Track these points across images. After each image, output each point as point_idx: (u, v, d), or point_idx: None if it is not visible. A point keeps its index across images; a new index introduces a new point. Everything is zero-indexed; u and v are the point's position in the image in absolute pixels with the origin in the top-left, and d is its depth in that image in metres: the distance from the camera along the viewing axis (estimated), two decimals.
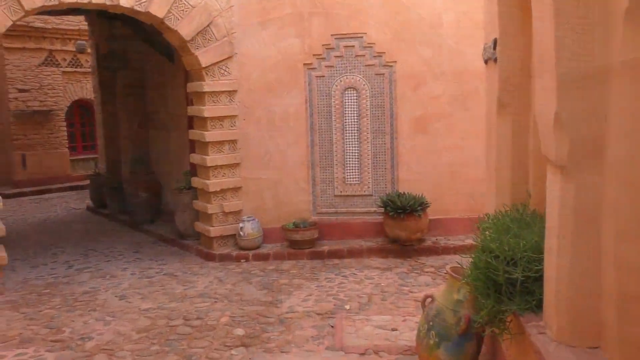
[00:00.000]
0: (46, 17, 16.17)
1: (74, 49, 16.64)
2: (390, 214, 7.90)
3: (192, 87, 8.49)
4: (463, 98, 8.27)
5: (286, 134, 8.45)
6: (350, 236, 8.50)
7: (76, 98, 17.49)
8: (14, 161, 16.53)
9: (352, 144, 8.43)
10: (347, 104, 8.39)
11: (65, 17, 16.44)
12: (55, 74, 16.92)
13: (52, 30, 16.54)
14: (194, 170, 9.00)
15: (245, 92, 8.39)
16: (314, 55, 8.33)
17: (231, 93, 8.33)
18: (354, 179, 8.48)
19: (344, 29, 8.24)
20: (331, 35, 8.27)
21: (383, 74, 8.29)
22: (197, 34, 8.00)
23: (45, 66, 16.71)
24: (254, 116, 8.43)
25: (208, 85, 8.15)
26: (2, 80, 16.73)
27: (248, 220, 8.30)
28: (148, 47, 10.67)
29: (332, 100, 8.39)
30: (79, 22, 16.28)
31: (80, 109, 18.04)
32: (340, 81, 8.35)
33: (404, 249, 8.04)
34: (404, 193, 8.16)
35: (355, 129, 8.41)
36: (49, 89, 16.81)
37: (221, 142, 8.31)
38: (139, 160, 11.16)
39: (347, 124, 8.41)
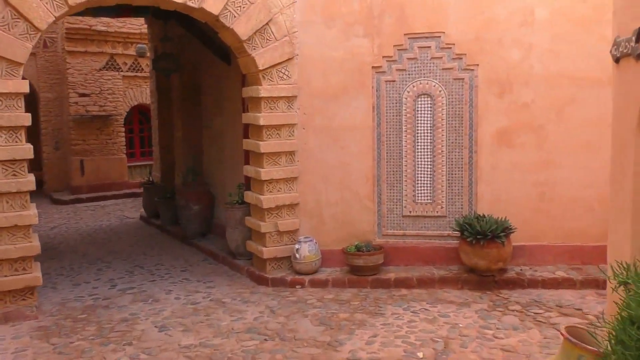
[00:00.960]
0: (108, 20, 15.90)
1: (135, 53, 16.25)
2: (467, 239, 6.84)
3: (247, 91, 7.69)
4: (557, 107, 7.13)
5: (350, 145, 7.53)
6: (420, 262, 7.48)
7: (136, 103, 17.14)
8: (72, 167, 16.30)
9: (424, 158, 7.42)
10: (420, 112, 7.39)
11: (127, 20, 16.14)
12: (116, 78, 16.62)
13: (114, 34, 16.25)
14: (248, 183, 8.20)
15: (306, 98, 7.53)
16: (383, 57, 7.38)
17: (290, 99, 7.49)
18: (426, 198, 7.46)
19: (418, 27, 7.25)
20: (404, 34, 7.30)
21: (462, 78, 7.25)
22: (255, 33, 7.19)
23: (106, 70, 16.43)
24: (315, 125, 7.56)
25: (265, 90, 7.33)
26: (64, 84, 16.57)
27: (305, 242, 7.41)
28: (203, 49, 9.98)
29: (403, 108, 7.41)
30: (141, 26, 15.91)
31: (139, 114, 17.70)
32: (413, 87, 7.37)
33: (482, 280, 6.96)
34: (484, 215, 7.08)
35: (429, 141, 7.40)
36: (108, 94, 16.51)
37: (278, 154, 7.47)
38: (192, 170, 10.49)
39: (419, 135, 7.41)
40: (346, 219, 7.62)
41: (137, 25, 16.01)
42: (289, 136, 7.53)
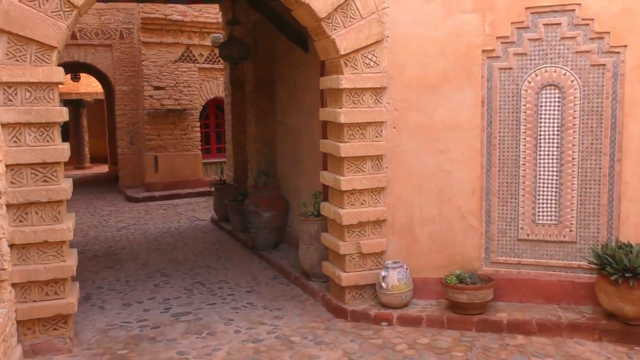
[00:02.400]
0: (184, 9, 15.07)
1: (211, 44, 15.29)
2: (610, 276, 5.19)
3: (325, 82, 6.35)
4: None
5: (452, 148, 6.04)
6: (540, 300, 5.89)
7: (212, 97, 16.27)
8: (146, 163, 15.61)
9: (548, 167, 5.81)
10: (544, 108, 5.79)
11: (204, 9, 15.24)
12: (192, 70, 15.78)
13: (190, 24, 15.40)
14: (326, 192, 6.87)
15: (397, 89, 6.10)
16: (497, 38, 5.83)
17: (378, 91, 6.08)
18: (549, 218, 5.85)
19: None
20: (525, 8, 5.71)
21: (604, 65, 5.57)
22: (336, 10, 5.83)
23: (182, 62, 15.62)
24: (408, 123, 6.11)
25: (347, 79, 5.96)
26: (139, 77, 15.90)
27: (393, 267, 5.99)
28: (279, 35, 8.74)
29: (522, 103, 5.83)
30: (217, 14, 14.92)
31: (215, 108, 16.83)
32: (536, 76, 5.77)
33: (630, 331, 5.28)
34: (630, 244, 5.40)
35: (555, 144, 5.78)
36: (184, 87, 15.70)
37: (362, 158, 6.09)
38: (264, 171, 9.29)
39: (542, 137, 5.81)
40: (445, 241, 6.13)
41: (214, 14, 15.07)
42: (376, 137, 6.12)
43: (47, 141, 5.14)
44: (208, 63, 15.93)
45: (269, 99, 9.87)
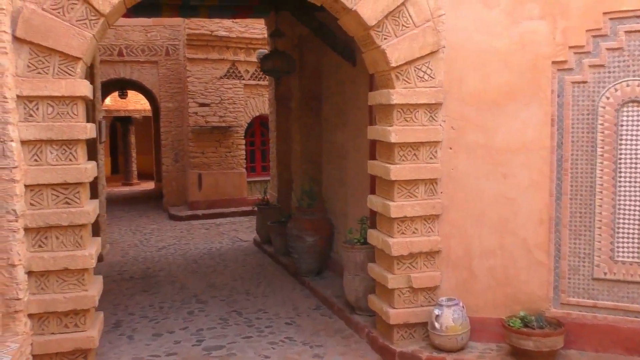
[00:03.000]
0: (230, 24, 14.80)
1: (257, 60, 14.95)
2: None
3: (375, 97, 5.78)
4: None
5: (517, 173, 5.36)
6: (620, 350, 5.10)
7: (257, 114, 15.89)
8: (190, 181, 15.32)
9: (630, 195, 5.06)
10: (625, 128, 5.06)
11: (250, 25, 14.94)
12: (237, 87, 15.47)
13: (235, 40, 15.12)
14: (373, 217, 6.27)
15: (454, 105, 5.47)
16: (570, 47, 5.14)
17: (433, 107, 5.47)
18: (631, 254, 5.08)
19: (627, 1, 4.95)
20: (603, 13, 5.02)
21: None
22: (386, 17, 5.27)
23: (227, 78, 15.32)
24: (466, 143, 5.47)
25: (399, 94, 5.37)
26: (184, 94, 15.70)
27: (448, 305, 5.32)
28: (325, 49, 8.26)
29: (599, 122, 5.11)
30: (263, 29, 14.59)
31: (261, 125, 16.44)
32: (615, 90, 5.05)
33: None
34: None
35: (638, 170, 5.04)
36: (229, 103, 15.39)
37: (414, 182, 5.48)
38: (309, 192, 8.75)
39: (623, 161, 5.07)
40: (507, 277, 5.43)
41: (260, 29, 14.74)
42: (430, 158, 5.50)
43: (70, 160, 4.73)
44: (254, 80, 15.60)
45: (315, 116, 9.38)
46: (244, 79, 15.49)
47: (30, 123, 4.61)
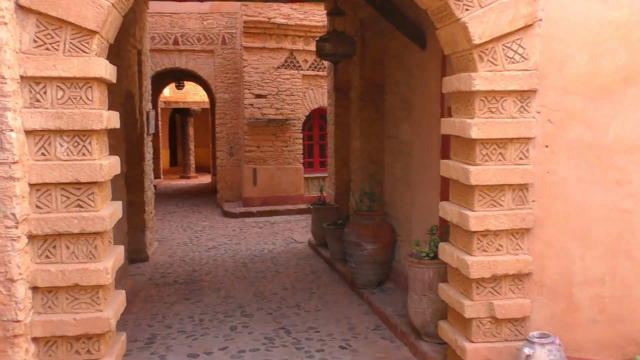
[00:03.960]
0: (289, 11, 13.97)
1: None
2: None
3: (451, 83, 4.75)
4: None
5: (634, 178, 4.23)
6: None
7: (316, 106, 15.03)
8: (244, 176, 14.61)
9: None
10: None
11: (309, 11, 14.07)
12: (295, 77, 14.63)
13: (294, 27, 14.28)
14: (445, 227, 5.26)
15: (553, 93, 4.38)
16: None
17: (525, 95, 4.41)
18: None
19: None
20: None
21: None
22: None
23: (285, 68, 14.51)
24: (568, 141, 4.37)
25: (483, 79, 4.33)
26: (240, 84, 15.00)
27: (541, 343, 4.24)
28: (391, 33, 7.26)
29: None
30: (323, 15, 13.68)
31: (320, 118, 15.56)
32: None
33: None
34: None
35: None
36: (286, 95, 14.57)
37: (499, 187, 4.43)
38: (369, 194, 7.77)
39: None
40: (619, 310, 4.31)
41: (320, 16, 13.83)
42: (520, 158, 4.44)
43: (83, 154, 3.94)
44: (313, 70, 14.73)
45: (377, 108, 8.39)
46: (302, 69, 14.64)
47: (37, 109, 3.84)
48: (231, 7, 15.07)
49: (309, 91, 14.84)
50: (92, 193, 3.97)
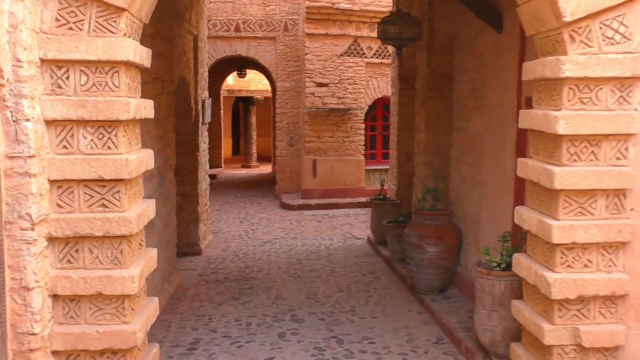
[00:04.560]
0: None
1: None
2: None
3: (533, 69, 4.04)
4: None
5: None
6: None
7: (380, 96, 14.37)
8: (304, 167, 14.15)
9: None
10: None
11: None
12: (359, 65, 14.01)
13: (359, 13, 13.65)
14: (520, 235, 4.58)
15: None
16: None
17: (625, 83, 3.67)
18: None
19: None
20: None
21: None
22: None
23: (348, 56, 13.91)
24: None
25: (573, 63, 3.62)
26: (301, 72, 14.50)
27: None
28: (462, 15, 6.55)
29: None
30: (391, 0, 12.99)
31: (383, 108, 14.89)
32: None
33: None
34: None
35: None
36: (349, 84, 13.98)
37: (590, 193, 3.72)
38: (432, 191, 7.12)
39: None
40: None
41: (387, 0, 13.13)
42: (617, 159, 3.72)
43: (109, 147, 3.50)
44: (377, 57, 14.06)
45: (444, 98, 7.70)
46: (366, 57, 14.00)
47: (58, 97, 3.43)
48: None
49: (372, 80, 14.19)
50: (118, 192, 3.54)
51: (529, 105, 4.46)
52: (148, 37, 5.43)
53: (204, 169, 9.85)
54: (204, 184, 9.76)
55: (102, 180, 3.50)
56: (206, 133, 10.10)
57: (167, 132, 6.79)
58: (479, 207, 6.29)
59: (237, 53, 15.01)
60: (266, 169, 22.59)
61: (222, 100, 20.78)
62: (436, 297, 6.74)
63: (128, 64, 3.54)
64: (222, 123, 20.81)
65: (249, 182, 18.89)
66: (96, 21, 3.42)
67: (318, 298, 7.08)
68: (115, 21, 3.43)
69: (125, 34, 3.48)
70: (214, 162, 20.47)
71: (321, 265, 8.68)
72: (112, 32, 3.44)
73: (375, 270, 8.41)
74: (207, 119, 9.98)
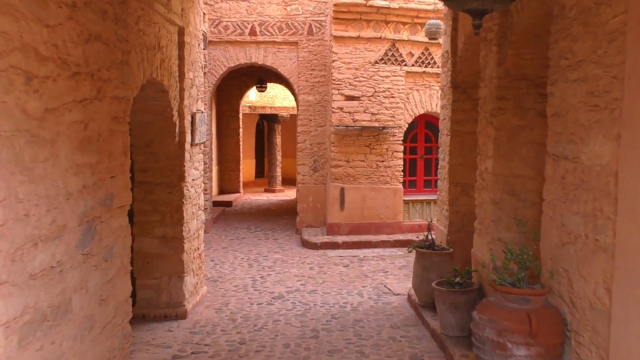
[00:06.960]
0: None
1: (425, 37, 10.91)
2: None
3: None
4: None
5: None
6: None
7: (422, 111, 11.92)
8: (330, 196, 11.75)
9: None
10: None
11: None
12: (397, 74, 11.63)
13: (398, 11, 11.31)
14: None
15: None
16: None
17: None
18: None
19: None
20: None
21: None
22: None
23: (384, 63, 11.55)
24: None
25: None
26: (328, 84, 12.17)
27: None
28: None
29: None
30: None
31: (427, 126, 12.44)
32: None
33: None
34: None
35: None
36: (384, 97, 11.59)
37: None
38: (520, 257, 4.57)
39: None
40: None
41: None
42: None
43: None
44: (419, 65, 11.66)
45: (524, 111, 5.38)
46: (406, 65, 11.61)
47: None
48: None
49: (413, 92, 11.77)
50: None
51: None
52: None
53: (195, 204, 7.52)
54: (193, 223, 7.42)
55: None
56: (200, 157, 7.80)
57: (110, 157, 4.46)
58: (606, 289, 3.76)
59: (253, 61, 12.75)
60: (291, 193, 20.28)
61: (241, 117, 18.56)
62: None
63: None
64: (240, 143, 18.58)
65: (268, 211, 16.56)
66: None
67: None
68: None
69: None
70: (232, 187, 18.25)
71: (344, 343, 6.23)
72: None
73: (422, 354, 5.91)
74: (200, 138, 7.66)
